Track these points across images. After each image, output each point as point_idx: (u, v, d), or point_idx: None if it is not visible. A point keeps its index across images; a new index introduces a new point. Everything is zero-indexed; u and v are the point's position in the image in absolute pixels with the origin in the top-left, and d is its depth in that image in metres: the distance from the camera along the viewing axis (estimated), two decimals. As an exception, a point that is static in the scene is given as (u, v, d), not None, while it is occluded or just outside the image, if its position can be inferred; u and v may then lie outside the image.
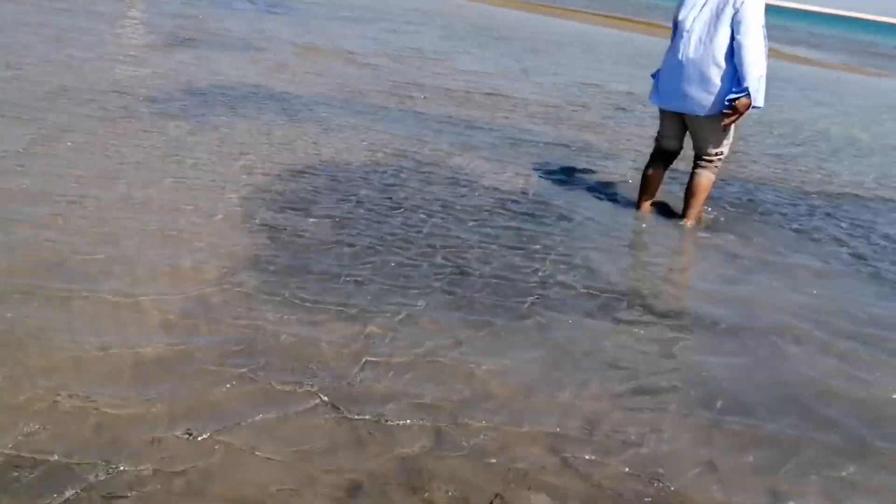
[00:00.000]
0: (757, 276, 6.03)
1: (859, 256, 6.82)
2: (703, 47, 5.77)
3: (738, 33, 5.63)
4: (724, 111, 5.85)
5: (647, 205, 6.96)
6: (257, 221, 5.69)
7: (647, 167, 6.72)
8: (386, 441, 3.41)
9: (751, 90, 5.67)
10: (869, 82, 23.57)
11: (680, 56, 5.98)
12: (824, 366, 4.67)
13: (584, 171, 8.43)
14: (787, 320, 5.23)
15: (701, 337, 4.87)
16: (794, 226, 7.44)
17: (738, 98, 5.73)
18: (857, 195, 9.08)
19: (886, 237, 7.47)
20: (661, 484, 3.37)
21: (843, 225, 7.67)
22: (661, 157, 6.61)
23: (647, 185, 6.76)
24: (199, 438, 3.23)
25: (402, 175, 7.31)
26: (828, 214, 8.01)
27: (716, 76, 5.78)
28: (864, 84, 23.09)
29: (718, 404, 4.07)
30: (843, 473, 3.62)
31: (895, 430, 4.06)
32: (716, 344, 4.79)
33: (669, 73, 6.15)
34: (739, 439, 3.80)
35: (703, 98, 5.88)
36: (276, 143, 7.86)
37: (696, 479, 3.45)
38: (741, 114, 5.83)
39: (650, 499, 3.26)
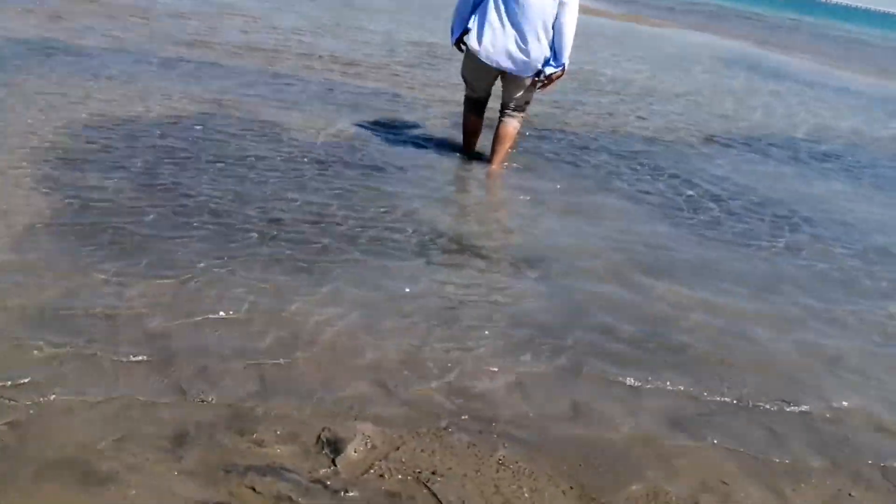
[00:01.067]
0: (560, 214, 6.55)
1: (656, 194, 7.56)
2: (533, 14, 6.37)
3: (563, 14, 6.40)
4: (540, 77, 6.71)
5: (471, 149, 7.52)
6: (50, 183, 5.35)
7: (466, 115, 7.21)
8: (210, 390, 3.45)
9: (566, 65, 6.66)
10: (655, 32, 25.54)
11: (509, 19, 6.48)
12: (614, 289, 5.21)
13: (397, 120, 8.61)
14: (586, 251, 5.76)
15: (508, 270, 5.25)
16: (591, 168, 8.09)
17: (554, 72, 6.69)
18: (654, 138, 9.93)
19: (675, 176, 8.28)
20: (475, 402, 3.68)
21: (641, 167, 8.42)
22: (476, 104, 7.05)
23: (471, 132, 7.31)
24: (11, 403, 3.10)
25: (210, 129, 7.11)
26: (622, 156, 8.73)
27: (539, 43, 6.50)
28: (654, 34, 24.98)
29: (525, 329, 4.45)
30: (630, 380, 4.12)
31: (678, 338, 4.65)
32: (522, 276, 5.19)
33: (495, 33, 6.54)
34: (543, 358, 4.19)
35: (525, 60, 6.56)
36: (67, 99, 7.32)
37: (507, 395, 3.80)
38: (553, 81, 6.82)
39: (466, 416, 3.56)
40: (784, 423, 3.93)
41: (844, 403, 4.21)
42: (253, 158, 6.50)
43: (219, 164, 6.21)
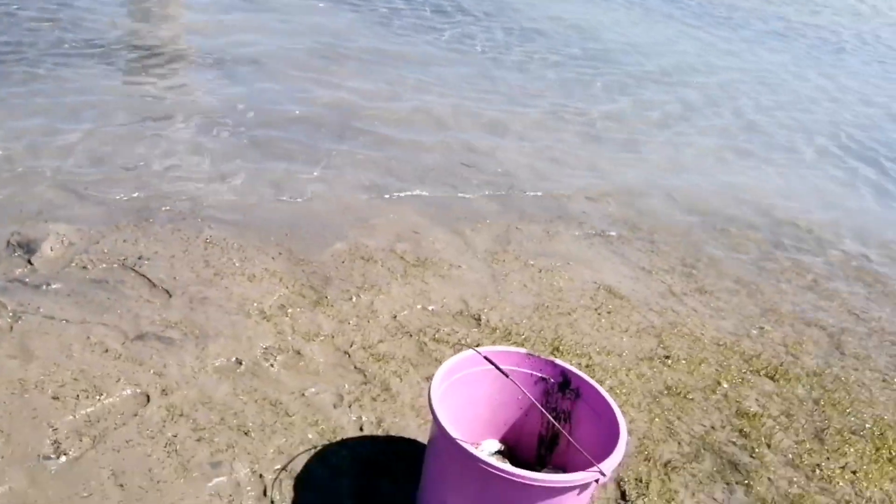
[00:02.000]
0: (242, 9, 6.37)
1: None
2: None
3: None
4: None
5: None
6: None
7: None
8: None
9: None
10: None
11: None
12: (300, 78, 5.35)
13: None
14: (263, 47, 5.78)
15: (200, 69, 5.11)
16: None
17: None
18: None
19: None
20: (174, 196, 3.69)
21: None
22: None
23: None
24: None
25: None
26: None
27: None
28: None
29: (217, 119, 4.44)
30: (328, 159, 4.36)
31: (366, 124, 4.94)
32: (209, 72, 5.08)
33: None
34: (241, 148, 4.26)
35: None
36: None
37: (207, 185, 3.85)
38: None
39: (167, 207, 3.57)
40: (465, 183, 4.47)
41: (510, 163, 4.87)
42: None
43: None
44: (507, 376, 1.86)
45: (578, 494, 1.85)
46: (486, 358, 1.91)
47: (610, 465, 1.83)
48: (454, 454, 1.84)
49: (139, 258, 3.14)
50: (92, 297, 2.83)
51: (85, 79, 4.56)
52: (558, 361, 2.18)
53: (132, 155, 3.92)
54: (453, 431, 1.82)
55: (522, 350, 2.22)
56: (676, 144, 5.82)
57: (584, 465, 1.82)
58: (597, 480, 1.81)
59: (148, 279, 3.01)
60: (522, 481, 1.77)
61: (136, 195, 3.62)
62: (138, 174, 3.78)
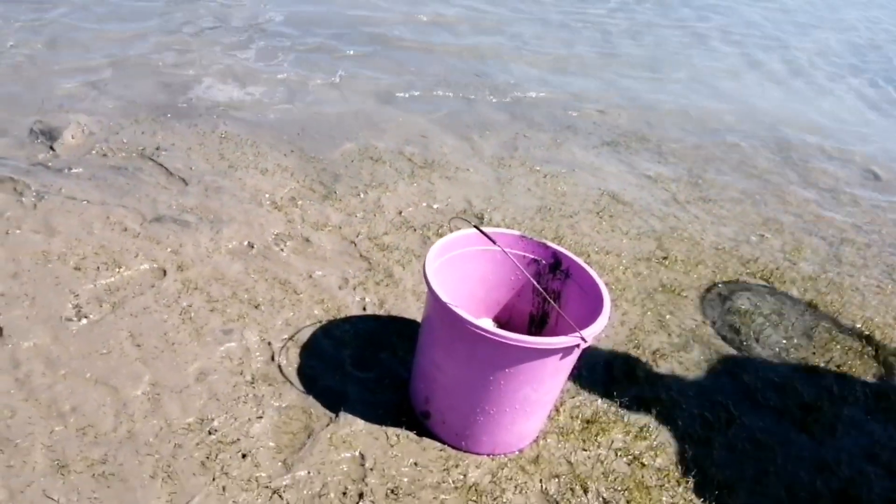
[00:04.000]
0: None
1: None
2: None
3: None
4: None
5: None
6: None
7: None
8: None
9: None
10: None
11: None
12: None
13: None
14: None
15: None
16: None
17: None
18: None
19: None
20: (190, 90, 3.78)
21: None
22: None
23: None
24: None
25: None
26: None
27: None
28: None
29: (242, 23, 4.49)
30: (341, 72, 4.41)
31: (382, 31, 4.95)
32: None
33: None
34: (266, 54, 4.31)
35: None
36: None
37: (222, 82, 3.92)
38: None
39: (184, 105, 3.66)
40: (476, 92, 4.51)
41: (522, 74, 4.88)
42: None
43: None
44: (502, 249, 1.96)
45: (561, 359, 1.98)
46: (480, 230, 2.01)
47: (592, 332, 1.95)
48: (446, 319, 1.96)
49: (157, 149, 3.25)
50: (112, 181, 2.96)
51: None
52: (550, 244, 2.28)
53: (151, 54, 3.99)
54: (444, 296, 1.94)
55: (516, 232, 2.32)
56: (697, 67, 5.78)
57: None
58: (577, 346, 1.93)
59: (165, 168, 3.13)
60: (509, 343, 1.89)
61: (153, 92, 3.72)
62: (157, 72, 3.87)
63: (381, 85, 4.36)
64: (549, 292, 2.33)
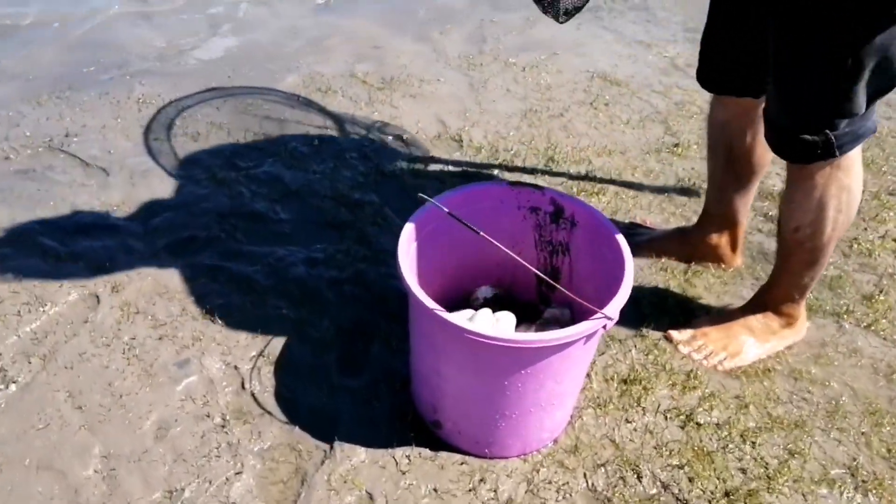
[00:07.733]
0: None
1: None
2: None
3: None
4: None
5: None
6: None
7: None
8: None
9: None
10: None
11: None
12: None
13: None
14: None
15: None
16: None
17: None
18: None
19: None
20: (101, 51, 3.22)
21: None
22: None
23: None
24: None
25: None
26: None
27: None
28: None
29: None
30: None
31: None
32: None
33: None
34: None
35: None
36: None
37: (135, 31, 3.35)
38: None
39: (92, 67, 3.12)
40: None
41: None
42: None
43: None
44: (476, 232, 1.52)
45: (585, 343, 1.59)
46: (455, 218, 1.56)
47: (617, 305, 1.55)
48: (437, 326, 1.56)
49: (66, 136, 2.76)
50: (20, 191, 2.49)
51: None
52: (547, 188, 1.84)
53: (46, 16, 3.39)
54: (430, 302, 1.52)
55: (503, 182, 1.87)
56: None
57: (590, 299, 1.54)
58: (604, 327, 1.54)
59: (80, 159, 2.65)
60: (520, 346, 1.50)
61: (54, 61, 3.16)
62: (55, 37, 3.29)
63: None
64: (555, 245, 1.91)
